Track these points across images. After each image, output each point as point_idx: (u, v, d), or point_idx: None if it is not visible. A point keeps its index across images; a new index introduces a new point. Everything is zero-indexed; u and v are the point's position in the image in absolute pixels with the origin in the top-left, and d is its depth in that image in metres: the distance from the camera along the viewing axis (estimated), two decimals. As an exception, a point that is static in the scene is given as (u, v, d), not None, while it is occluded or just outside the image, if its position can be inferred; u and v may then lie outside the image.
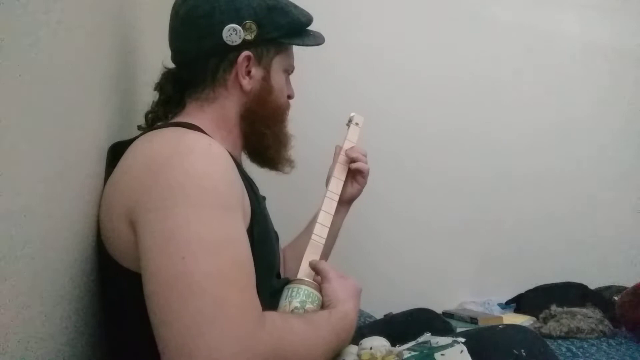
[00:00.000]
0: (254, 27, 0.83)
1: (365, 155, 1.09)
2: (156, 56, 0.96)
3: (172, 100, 0.90)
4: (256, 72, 0.86)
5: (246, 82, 0.85)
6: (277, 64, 0.89)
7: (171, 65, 0.92)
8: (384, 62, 1.69)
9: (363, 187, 1.11)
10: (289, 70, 0.93)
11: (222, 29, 0.82)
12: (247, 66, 0.85)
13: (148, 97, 0.93)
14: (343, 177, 1.06)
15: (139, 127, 0.90)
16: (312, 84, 1.45)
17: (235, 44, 0.83)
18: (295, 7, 0.90)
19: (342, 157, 1.07)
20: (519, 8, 1.79)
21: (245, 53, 0.84)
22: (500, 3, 1.79)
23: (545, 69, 1.80)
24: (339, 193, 1.03)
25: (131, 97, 0.98)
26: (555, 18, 1.81)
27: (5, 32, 0.49)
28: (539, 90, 1.79)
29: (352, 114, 1.12)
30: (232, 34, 0.82)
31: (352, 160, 1.07)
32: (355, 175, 1.09)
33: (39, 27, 0.56)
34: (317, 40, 0.93)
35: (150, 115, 0.90)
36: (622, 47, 1.83)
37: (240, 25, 0.82)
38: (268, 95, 0.88)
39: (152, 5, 1.12)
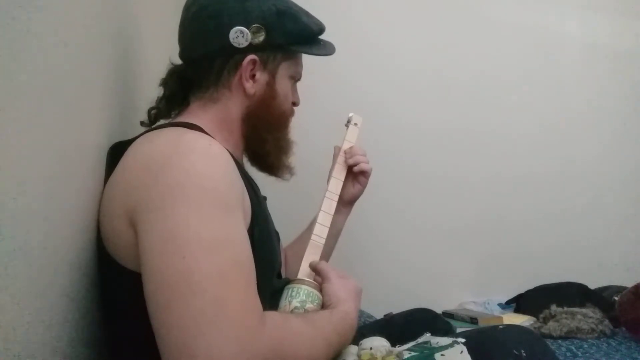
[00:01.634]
0: (261, 31, 0.83)
1: (365, 155, 1.09)
2: (158, 56, 0.97)
3: (176, 97, 0.90)
4: (261, 76, 0.86)
5: (249, 86, 0.85)
6: (283, 70, 0.88)
7: (178, 61, 0.92)
8: (385, 62, 1.69)
9: (365, 187, 1.11)
10: (295, 77, 0.93)
11: (230, 31, 0.82)
12: (251, 70, 0.85)
13: (148, 97, 0.93)
14: (342, 177, 1.06)
15: (142, 123, 0.90)
16: (313, 84, 1.44)
17: (241, 46, 0.83)
18: (308, 14, 0.89)
19: (341, 158, 1.08)
20: (520, 9, 1.79)
21: (251, 56, 0.84)
22: (501, 3, 1.79)
23: (545, 69, 1.80)
24: (338, 193, 1.03)
25: (132, 97, 0.98)
26: (556, 19, 1.81)
27: (5, 31, 0.49)
28: (539, 90, 1.79)
29: (350, 115, 1.13)
30: (239, 36, 0.82)
31: (354, 164, 1.07)
32: (357, 175, 1.09)
33: (38, 26, 0.56)
34: (326, 50, 0.92)
35: (153, 112, 0.90)
36: (622, 48, 1.83)
37: (247, 28, 0.82)
38: (272, 100, 0.87)
39: (154, 3, 1.12)
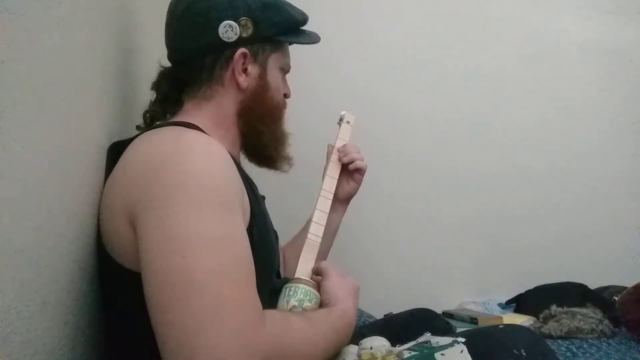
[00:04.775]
0: (249, 24, 0.84)
1: (359, 152, 1.09)
2: (157, 55, 0.96)
3: (169, 99, 0.90)
4: (252, 69, 0.86)
5: (242, 79, 0.85)
6: (273, 61, 0.89)
7: (167, 63, 0.92)
8: (383, 57, 1.69)
9: (360, 185, 1.11)
10: (285, 69, 0.94)
11: (218, 26, 0.82)
12: (243, 63, 0.85)
13: (148, 96, 0.93)
14: (336, 176, 1.06)
15: (138, 127, 0.90)
16: (311, 81, 1.45)
17: (231, 40, 0.83)
18: (291, 6, 0.91)
19: (334, 156, 1.08)
20: (518, 6, 1.79)
21: (242, 50, 0.84)
22: (499, 1, 1.79)
23: (543, 66, 1.80)
24: (333, 191, 1.04)
25: (131, 96, 0.98)
26: (554, 17, 1.82)
27: (5, 31, 0.49)
28: (537, 86, 1.79)
29: (342, 113, 1.14)
30: (229, 30, 0.83)
31: (349, 161, 1.07)
32: (352, 173, 1.10)
33: (38, 26, 0.56)
34: (312, 38, 0.94)
35: (148, 115, 0.90)
36: (618, 45, 1.84)
37: (236, 22, 0.83)
38: (264, 92, 0.88)
39: (152, 4, 1.12)
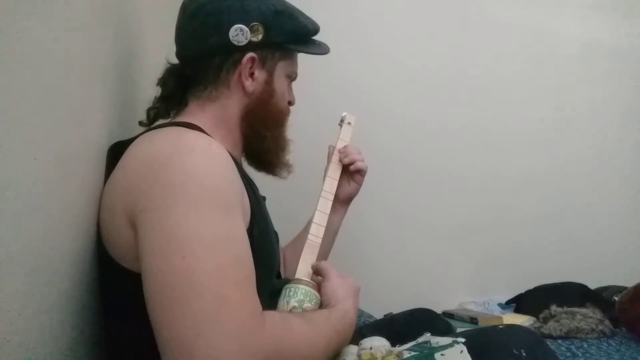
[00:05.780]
0: (261, 29, 0.84)
1: (359, 154, 1.09)
2: (158, 55, 0.96)
3: (174, 97, 0.90)
4: (259, 74, 0.87)
5: (249, 84, 0.85)
6: (280, 68, 0.89)
7: (175, 60, 0.92)
8: (383, 60, 1.70)
9: (360, 186, 1.11)
10: (291, 77, 0.94)
11: (230, 29, 0.82)
12: (250, 68, 0.85)
13: (149, 96, 0.93)
14: (337, 177, 1.07)
15: (140, 123, 0.90)
16: (312, 83, 1.44)
17: (241, 44, 0.83)
18: (303, 15, 0.91)
19: (335, 157, 1.08)
20: (519, 7, 1.79)
21: (250, 54, 0.84)
22: (500, 2, 1.79)
23: (544, 68, 1.80)
24: (334, 192, 1.04)
25: (132, 96, 0.98)
26: (555, 17, 1.82)
27: (4, 31, 0.49)
28: (538, 89, 1.79)
29: (343, 114, 1.14)
30: (239, 34, 0.83)
31: (350, 162, 1.07)
32: (353, 174, 1.10)
33: (38, 25, 0.56)
34: (322, 49, 0.94)
35: (151, 112, 0.90)
36: (620, 46, 1.84)
37: (247, 27, 0.83)
38: (269, 98, 0.88)
39: (153, 2, 1.12)
